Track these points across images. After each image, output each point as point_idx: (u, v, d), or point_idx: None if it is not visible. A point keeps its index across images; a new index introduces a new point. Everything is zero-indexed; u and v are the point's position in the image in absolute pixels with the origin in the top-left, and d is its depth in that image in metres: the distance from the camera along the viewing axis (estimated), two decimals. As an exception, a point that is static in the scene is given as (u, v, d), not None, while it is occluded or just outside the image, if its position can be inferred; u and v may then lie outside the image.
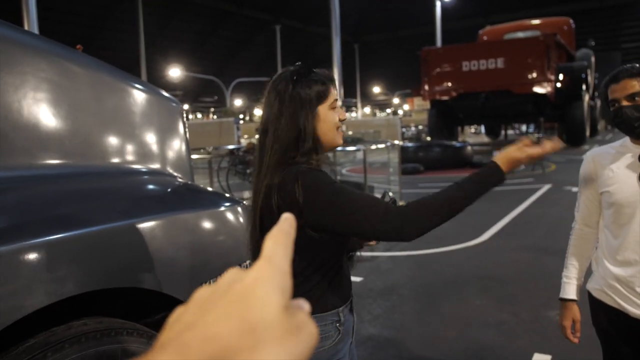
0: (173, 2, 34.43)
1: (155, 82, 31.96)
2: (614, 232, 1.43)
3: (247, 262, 1.58)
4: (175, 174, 1.79)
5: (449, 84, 17.86)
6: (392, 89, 47.51)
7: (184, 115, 1.93)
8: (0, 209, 1.11)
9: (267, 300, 0.23)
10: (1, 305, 0.95)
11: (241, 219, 1.61)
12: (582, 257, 1.57)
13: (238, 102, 37.08)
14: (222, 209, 1.61)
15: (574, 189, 7.69)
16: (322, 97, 1.15)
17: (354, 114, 45.80)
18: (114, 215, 1.26)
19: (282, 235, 0.28)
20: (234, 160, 9.62)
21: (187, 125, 1.94)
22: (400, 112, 45.94)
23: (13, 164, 1.28)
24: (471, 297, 3.74)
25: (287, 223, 0.29)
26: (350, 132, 20.31)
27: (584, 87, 18.07)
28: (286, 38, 39.81)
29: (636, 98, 1.37)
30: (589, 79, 20.20)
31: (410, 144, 14.90)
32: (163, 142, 1.79)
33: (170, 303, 1.38)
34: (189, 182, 1.80)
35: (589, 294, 1.54)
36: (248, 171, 9.13)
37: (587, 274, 1.60)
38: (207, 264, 1.49)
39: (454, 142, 14.84)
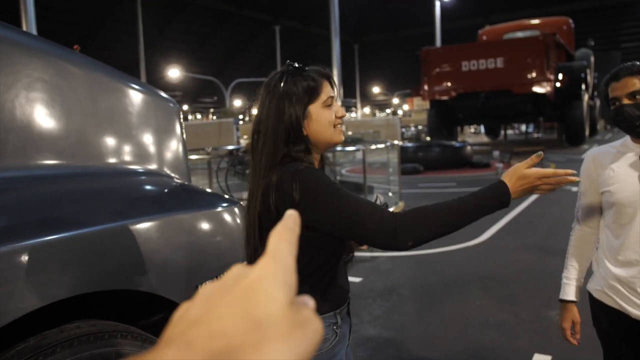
0: (173, 3, 34.43)
1: (154, 82, 31.99)
2: (615, 232, 1.42)
3: (244, 263, 1.56)
4: (172, 174, 1.78)
5: (449, 84, 17.85)
6: (392, 89, 47.50)
7: (181, 115, 1.92)
8: (-8, 211, 1.09)
9: (272, 296, 0.23)
10: (-8, 308, 0.93)
11: (238, 220, 1.59)
12: (583, 258, 1.55)
13: (237, 103, 37.07)
14: (219, 209, 1.60)
15: (574, 189, 7.67)
16: (312, 94, 1.12)
17: (353, 114, 45.79)
18: (109, 216, 1.25)
19: (286, 232, 0.28)
20: (233, 160, 9.60)
21: (184, 125, 1.93)
22: (399, 112, 45.94)
23: (6, 164, 1.26)
24: (471, 297, 3.72)
25: (291, 219, 0.29)
26: (349, 132, 20.30)
27: (583, 86, 18.07)
28: (286, 38, 39.84)
29: (637, 96, 1.35)
30: (589, 78, 20.20)
31: (409, 144, 14.89)
32: (160, 142, 1.78)
33: (167, 305, 1.37)
34: (186, 183, 1.78)
35: (590, 295, 1.52)
36: (247, 172, 9.10)
37: (588, 274, 1.58)
38: (203, 266, 1.47)
39: (453, 142, 14.83)
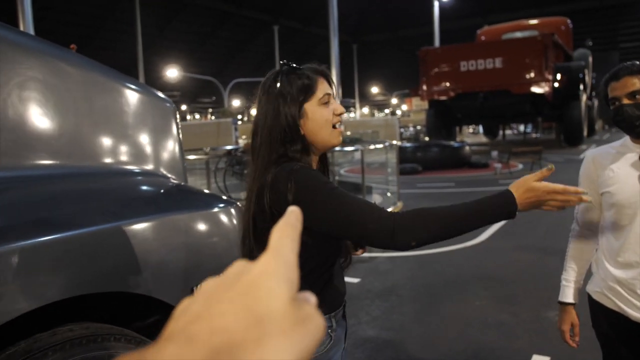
0: (172, 3, 34.40)
1: (153, 82, 31.98)
2: (614, 233, 1.40)
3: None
4: (168, 174, 1.76)
5: (447, 84, 17.86)
6: (391, 89, 47.51)
7: (178, 115, 1.90)
8: (-16, 212, 1.07)
9: (274, 292, 0.23)
10: (-18, 311, 0.91)
11: (235, 221, 1.58)
12: (582, 260, 1.54)
13: (236, 103, 37.05)
14: (215, 210, 1.58)
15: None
16: (307, 92, 1.10)
17: (352, 114, 45.77)
18: (102, 217, 1.23)
19: (288, 228, 0.28)
20: (231, 160, 9.59)
21: (183, 125, 1.91)
22: (398, 112, 45.95)
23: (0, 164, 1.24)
24: (471, 298, 3.71)
25: (293, 215, 0.29)
26: (348, 133, 20.29)
27: (581, 87, 18.09)
28: (285, 38, 39.82)
29: (637, 96, 1.34)
30: (587, 78, 20.22)
31: (408, 144, 14.88)
32: (156, 142, 1.76)
33: (162, 307, 1.35)
34: (182, 183, 1.77)
35: (589, 297, 1.51)
36: (245, 172, 9.09)
37: (587, 275, 1.57)
38: (199, 267, 1.45)
39: (452, 142, 14.82)
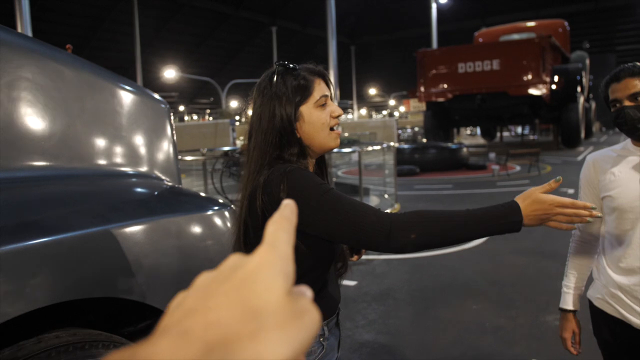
0: (170, 4, 34.37)
1: (151, 83, 31.93)
2: (616, 238, 1.37)
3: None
4: (162, 176, 1.73)
5: (445, 86, 17.88)
6: (388, 90, 47.57)
7: (172, 116, 1.87)
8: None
9: (270, 285, 0.23)
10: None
11: (228, 224, 1.54)
12: (583, 266, 1.51)
13: (234, 104, 37.02)
14: (209, 213, 1.55)
15: (570, 191, 7.66)
16: (303, 94, 1.06)
17: (349, 116, 45.79)
18: (90, 220, 1.19)
19: (283, 220, 0.27)
20: (228, 162, 9.56)
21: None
22: (396, 113, 45.98)
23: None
24: (468, 302, 3.68)
25: (288, 209, 0.29)
26: (346, 134, 20.28)
27: (579, 89, 18.14)
28: (283, 40, 39.83)
29: (638, 98, 1.31)
30: (584, 80, 20.29)
31: (406, 146, 14.86)
32: (149, 143, 1.73)
33: (155, 312, 1.32)
34: (176, 185, 1.74)
35: (590, 303, 1.48)
36: (242, 173, 9.07)
37: (588, 281, 1.54)
38: (191, 271, 1.42)
39: (449, 144, 14.82)
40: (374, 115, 54.18)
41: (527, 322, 3.23)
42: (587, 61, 23.38)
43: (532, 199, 0.96)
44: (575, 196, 1.51)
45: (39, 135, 1.38)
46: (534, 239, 5.50)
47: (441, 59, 18.13)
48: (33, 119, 1.37)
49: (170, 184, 1.72)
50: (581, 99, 19.20)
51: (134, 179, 1.62)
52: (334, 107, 1.10)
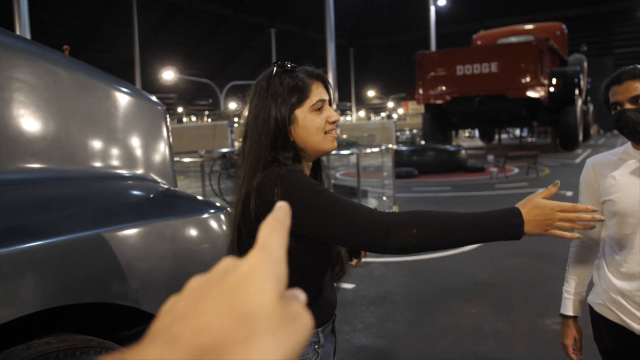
0: (169, 6, 34.39)
1: (150, 85, 31.89)
2: (617, 243, 1.35)
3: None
4: (158, 179, 1.71)
5: (444, 88, 17.90)
6: (387, 92, 47.63)
7: (168, 118, 1.85)
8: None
9: (261, 289, 0.23)
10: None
11: (224, 227, 1.52)
12: (584, 271, 1.49)
13: (232, 106, 37.00)
14: (204, 216, 1.53)
15: (568, 193, 7.65)
16: (299, 97, 1.04)
17: (348, 118, 45.80)
18: (83, 224, 1.17)
19: (277, 223, 0.27)
20: (227, 163, 9.53)
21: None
22: (394, 115, 46.00)
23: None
24: (466, 305, 3.66)
25: (281, 211, 0.28)
26: (344, 136, 20.28)
27: (577, 91, 18.18)
28: (282, 42, 39.86)
29: (639, 100, 1.30)
30: (582, 83, 20.34)
31: (404, 148, 14.87)
32: (145, 145, 1.71)
33: (149, 316, 1.30)
34: (171, 188, 1.71)
35: (591, 308, 1.45)
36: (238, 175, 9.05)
37: (589, 286, 1.52)
38: (187, 276, 1.39)
39: (448, 146, 14.83)
40: (373, 117, 54.20)
41: (526, 326, 3.21)
42: (585, 64, 23.45)
43: (532, 204, 0.94)
44: (573, 199, 1.49)
45: (33, 137, 1.36)
46: (531, 240, 5.48)
47: (440, 61, 18.15)
48: (26, 121, 1.35)
49: (165, 186, 1.70)
50: (579, 102, 19.24)
51: (129, 182, 1.60)
52: (330, 112, 1.08)
